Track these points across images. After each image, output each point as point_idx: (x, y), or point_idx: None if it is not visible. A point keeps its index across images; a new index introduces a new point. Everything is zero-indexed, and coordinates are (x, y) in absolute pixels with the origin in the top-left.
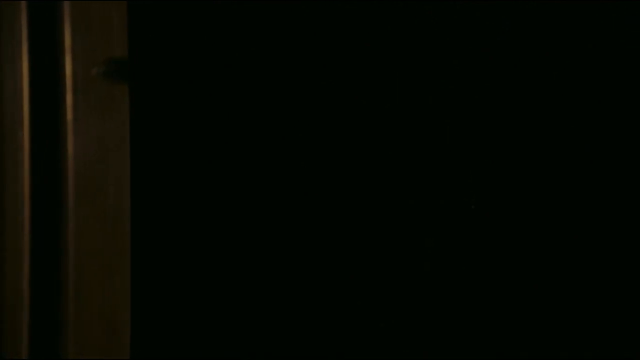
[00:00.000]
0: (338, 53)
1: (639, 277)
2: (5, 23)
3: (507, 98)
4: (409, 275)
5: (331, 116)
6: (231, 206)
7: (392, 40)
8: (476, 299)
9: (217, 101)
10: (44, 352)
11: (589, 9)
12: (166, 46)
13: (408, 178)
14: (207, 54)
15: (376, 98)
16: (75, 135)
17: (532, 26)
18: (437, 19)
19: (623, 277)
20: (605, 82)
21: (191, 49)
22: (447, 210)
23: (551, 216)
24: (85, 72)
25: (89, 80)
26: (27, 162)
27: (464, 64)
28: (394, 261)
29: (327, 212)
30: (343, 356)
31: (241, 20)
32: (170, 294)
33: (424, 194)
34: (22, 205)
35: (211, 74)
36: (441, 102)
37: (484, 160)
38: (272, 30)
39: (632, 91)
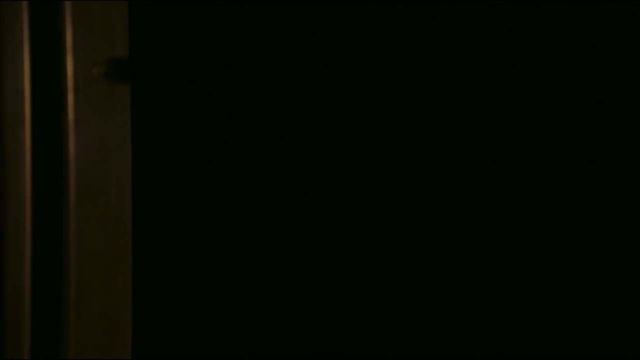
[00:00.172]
0: (338, 53)
1: (639, 277)
2: (6, 23)
3: (507, 98)
4: (409, 275)
5: (331, 116)
6: (232, 206)
7: (392, 41)
8: (476, 298)
9: (218, 101)
10: (45, 352)
11: (589, 9)
12: (167, 46)
13: (408, 178)
14: (208, 54)
15: (376, 98)
16: (77, 135)
17: (532, 26)
18: (437, 19)
19: (624, 277)
20: (605, 82)
21: (192, 48)
22: (447, 210)
23: (551, 216)
24: (87, 72)
25: (90, 80)
26: (29, 162)
27: (464, 64)
28: (394, 261)
29: (327, 212)
30: (343, 356)
31: (242, 20)
32: (171, 294)
33: (424, 193)
34: (24, 205)
35: (212, 74)
36: (441, 102)
37: (484, 160)
38: (272, 30)
39: (632, 91)
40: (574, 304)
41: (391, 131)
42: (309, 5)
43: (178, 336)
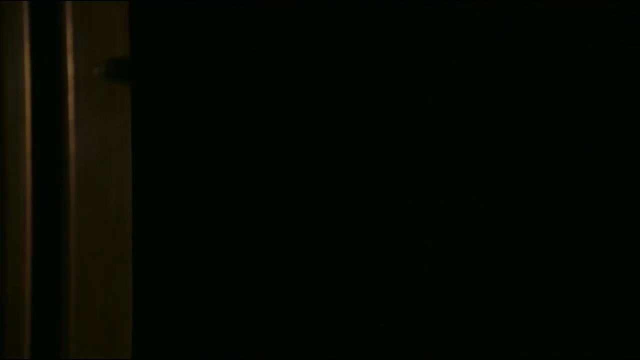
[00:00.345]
0: (338, 53)
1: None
2: (6, 23)
3: (506, 98)
4: (409, 275)
5: (331, 116)
6: (232, 206)
7: (392, 41)
8: (476, 298)
9: (218, 101)
10: (45, 352)
11: (589, 9)
12: (167, 46)
13: (408, 178)
14: (208, 54)
15: (376, 98)
16: (77, 135)
17: (532, 26)
18: (437, 19)
19: (624, 277)
20: (605, 81)
21: (192, 48)
22: (447, 210)
23: (550, 216)
24: (87, 72)
25: (91, 80)
26: (29, 162)
27: (464, 63)
28: (394, 261)
29: (327, 211)
30: (343, 356)
31: (242, 20)
32: (171, 294)
33: (424, 193)
34: (24, 205)
35: (212, 74)
36: (441, 102)
37: (484, 160)
38: (272, 30)
39: (632, 91)
40: (574, 304)
41: (391, 131)
42: (309, 5)
43: (178, 336)
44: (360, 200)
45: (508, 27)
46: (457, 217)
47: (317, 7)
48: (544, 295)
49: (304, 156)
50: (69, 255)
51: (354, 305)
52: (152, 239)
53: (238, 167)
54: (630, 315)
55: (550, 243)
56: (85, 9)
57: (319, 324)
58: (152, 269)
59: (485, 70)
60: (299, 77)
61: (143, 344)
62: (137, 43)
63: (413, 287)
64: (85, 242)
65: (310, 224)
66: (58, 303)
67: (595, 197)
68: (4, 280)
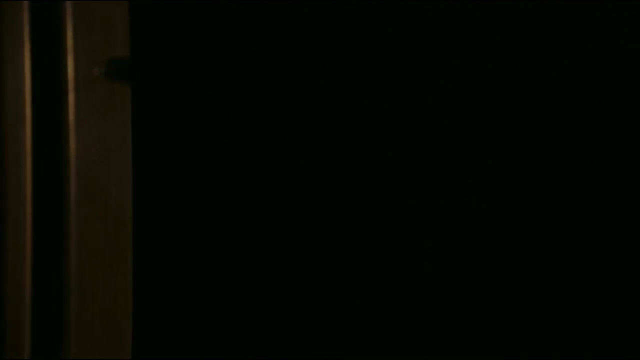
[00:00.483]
0: (338, 53)
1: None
2: (7, 23)
3: (506, 98)
4: (409, 275)
5: (331, 116)
6: (232, 206)
7: (392, 41)
8: (476, 298)
9: (219, 101)
10: (45, 352)
11: (589, 9)
12: (168, 46)
13: (408, 178)
14: (208, 54)
15: (376, 98)
16: (77, 135)
17: (532, 26)
18: (437, 19)
19: (625, 277)
20: (605, 81)
21: (192, 48)
22: (447, 210)
23: (550, 216)
24: (87, 72)
25: (91, 80)
26: (29, 162)
27: (464, 63)
28: (394, 261)
29: (327, 211)
30: (343, 356)
31: (242, 20)
32: (171, 294)
33: (424, 193)
34: (24, 205)
35: (212, 74)
36: (441, 102)
37: (484, 160)
38: (272, 30)
39: (632, 91)
40: (574, 304)
41: (391, 131)
42: (309, 5)
43: (178, 336)
44: (360, 200)
45: (508, 27)
46: (457, 217)
47: (317, 7)
48: (544, 295)
49: (304, 156)
50: (69, 255)
51: (354, 305)
52: (152, 239)
53: (238, 167)
54: (630, 316)
55: (550, 243)
56: (85, 8)
57: (319, 323)
58: (152, 269)
59: (485, 70)
60: (299, 77)
61: (143, 344)
62: (137, 43)
63: (413, 287)
64: (85, 242)
65: (310, 224)
66: (58, 303)
67: (595, 197)
68: (4, 280)
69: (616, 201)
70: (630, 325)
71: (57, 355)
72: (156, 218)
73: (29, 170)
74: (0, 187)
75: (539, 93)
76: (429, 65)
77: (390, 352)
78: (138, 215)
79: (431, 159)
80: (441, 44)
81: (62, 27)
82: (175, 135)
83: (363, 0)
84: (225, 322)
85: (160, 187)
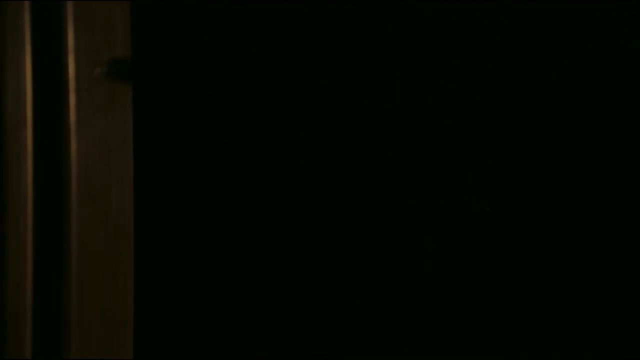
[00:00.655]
0: (338, 53)
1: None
2: (7, 23)
3: (506, 98)
4: (409, 275)
5: (331, 116)
6: (233, 206)
7: (392, 41)
8: (476, 298)
9: (219, 101)
10: (46, 352)
11: (589, 9)
12: (169, 46)
13: (408, 178)
14: (209, 54)
15: (376, 98)
16: (78, 136)
17: (532, 26)
18: (437, 19)
19: (624, 277)
20: (605, 81)
21: (193, 49)
22: (447, 210)
23: (550, 216)
24: (88, 72)
25: (92, 80)
26: (30, 162)
27: (464, 63)
28: (394, 261)
29: (327, 211)
30: (343, 356)
31: (243, 21)
32: (172, 294)
33: (424, 193)
34: (25, 205)
35: (213, 74)
36: (441, 102)
37: (484, 160)
38: (273, 30)
39: (632, 91)
40: (574, 304)
41: (391, 131)
42: (309, 5)
43: (179, 336)
44: (360, 200)
45: (508, 27)
46: (457, 217)
47: (318, 7)
48: (544, 296)
49: (304, 156)
50: (70, 256)
51: (354, 304)
52: (153, 239)
53: (239, 167)
54: (630, 316)
55: (551, 243)
56: (86, 9)
57: (319, 323)
58: (153, 269)
59: (485, 70)
60: (299, 77)
61: (144, 344)
62: (139, 43)
63: (413, 287)
64: (86, 242)
65: (310, 224)
66: (59, 303)
67: (595, 198)
68: (5, 280)
69: (617, 201)
70: (630, 325)
71: (58, 355)
72: (157, 218)
73: (30, 170)
74: (0, 187)
75: (539, 93)
76: (429, 65)
77: (390, 352)
78: (139, 216)
79: (431, 159)
80: (441, 44)
81: (63, 27)
82: (176, 135)
83: (363, 0)
84: (225, 322)
85: (161, 188)
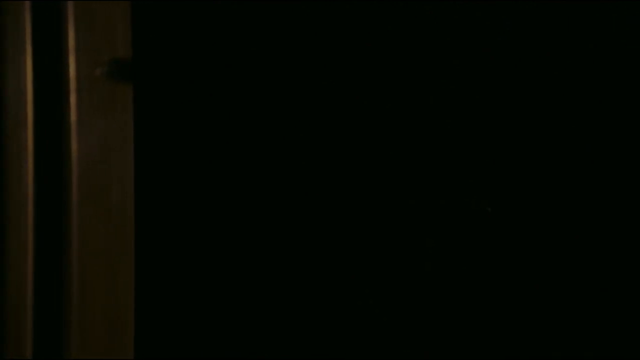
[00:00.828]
0: (339, 53)
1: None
2: (8, 23)
3: (506, 98)
4: (410, 275)
5: (332, 116)
6: (234, 206)
7: (392, 41)
8: (477, 298)
9: (220, 101)
10: (46, 352)
11: (589, 9)
12: (170, 46)
13: (408, 178)
14: (210, 54)
15: (377, 98)
16: (79, 136)
17: (532, 26)
18: (438, 19)
19: (624, 277)
20: (605, 81)
21: (194, 49)
22: (447, 210)
23: (550, 216)
24: (89, 72)
25: (93, 80)
26: (30, 162)
27: (465, 63)
28: (395, 261)
29: (327, 211)
30: (343, 356)
31: (243, 21)
32: (174, 294)
33: (425, 193)
34: (25, 205)
35: (214, 74)
36: (442, 102)
37: (484, 160)
38: (274, 30)
39: (632, 91)
40: (575, 304)
41: (392, 131)
42: (309, 5)
43: (180, 336)
44: (360, 200)
45: (508, 27)
46: (458, 217)
47: (318, 7)
48: (544, 296)
49: (305, 156)
50: (70, 255)
51: (354, 305)
52: (154, 239)
53: (239, 167)
54: (631, 316)
55: (551, 242)
56: (87, 9)
57: (320, 324)
58: (154, 269)
59: (486, 70)
60: (300, 77)
61: (145, 344)
62: (140, 43)
63: (413, 287)
64: (87, 242)
65: (311, 224)
66: (59, 303)
67: (595, 198)
68: (6, 280)
69: (617, 201)
70: (631, 325)
71: (59, 355)
72: (158, 218)
73: (31, 170)
74: (1, 187)
75: (540, 93)
76: (430, 65)
77: (390, 352)
78: (140, 216)
79: (432, 159)
80: (442, 44)
81: (64, 27)
82: (177, 135)
83: (363, 0)
84: (226, 322)
85: (162, 187)
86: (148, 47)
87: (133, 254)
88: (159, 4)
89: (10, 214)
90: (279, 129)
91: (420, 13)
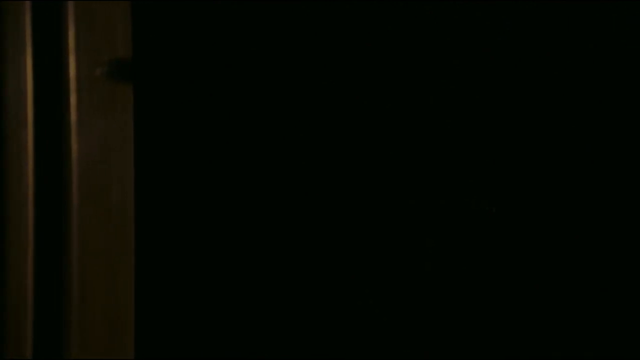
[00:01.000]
0: (339, 53)
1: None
2: (8, 23)
3: (507, 98)
4: (410, 275)
5: (332, 116)
6: (234, 206)
7: (392, 41)
8: (477, 298)
9: (220, 101)
10: (47, 352)
11: (589, 9)
12: (170, 46)
13: (409, 178)
14: (210, 54)
15: (377, 98)
16: (79, 136)
17: (532, 26)
18: (438, 19)
19: (624, 278)
20: (606, 81)
21: (194, 49)
22: (447, 210)
23: (550, 215)
24: (89, 72)
25: (93, 80)
26: (31, 162)
27: (465, 63)
28: (395, 261)
29: (327, 211)
30: (343, 356)
31: (244, 21)
32: (173, 294)
33: (425, 193)
34: (26, 205)
35: (214, 74)
36: (442, 102)
37: (484, 160)
38: (274, 30)
39: (632, 91)
40: (575, 304)
41: (392, 131)
42: (309, 5)
43: (180, 336)
44: (361, 200)
45: (508, 27)
46: (458, 217)
47: (318, 7)
48: (544, 295)
49: (305, 156)
50: (70, 255)
51: (354, 305)
52: (154, 238)
53: (240, 167)
54: (631, 316)
55: (551, 242)
56: (87, 9)
57: (320, 324)
58: (154, 269)
59: (486, 70)
60: (300, 77)
61: (145, 344)
62: (140, 43)
63: (414, 287)
64: (87, 242)
65: (311, 224)
66: (60, 303)
67: (595, 198)
68: (6, 280)
69: (618, 201)
70: (631, 325)
71: (59, 355)
72: (158, 218)
73: (31, 170)
74: (1, 187)
75: (540, 93)
76: (430, 65)
77: (390, 352)
78: (140, 216)
79: (432, 159)
80: (442, 44)
81: (64, 27)
82: (177, 135)
83: (363, 0)
84: (227, 322)
85: (162, 187)
86: (148, 47)
87: (133, 254)
88: (159, 4)
89: (10, 214)
90: (279, 129)
91: (420, 13)
